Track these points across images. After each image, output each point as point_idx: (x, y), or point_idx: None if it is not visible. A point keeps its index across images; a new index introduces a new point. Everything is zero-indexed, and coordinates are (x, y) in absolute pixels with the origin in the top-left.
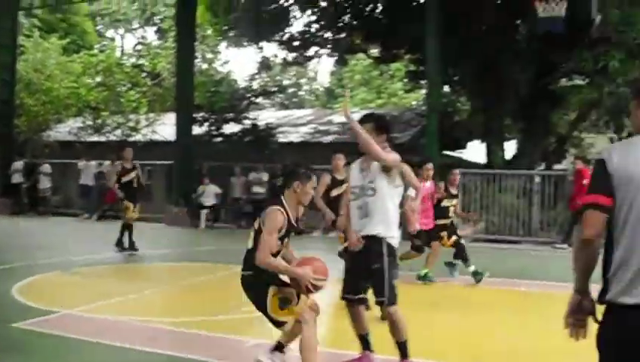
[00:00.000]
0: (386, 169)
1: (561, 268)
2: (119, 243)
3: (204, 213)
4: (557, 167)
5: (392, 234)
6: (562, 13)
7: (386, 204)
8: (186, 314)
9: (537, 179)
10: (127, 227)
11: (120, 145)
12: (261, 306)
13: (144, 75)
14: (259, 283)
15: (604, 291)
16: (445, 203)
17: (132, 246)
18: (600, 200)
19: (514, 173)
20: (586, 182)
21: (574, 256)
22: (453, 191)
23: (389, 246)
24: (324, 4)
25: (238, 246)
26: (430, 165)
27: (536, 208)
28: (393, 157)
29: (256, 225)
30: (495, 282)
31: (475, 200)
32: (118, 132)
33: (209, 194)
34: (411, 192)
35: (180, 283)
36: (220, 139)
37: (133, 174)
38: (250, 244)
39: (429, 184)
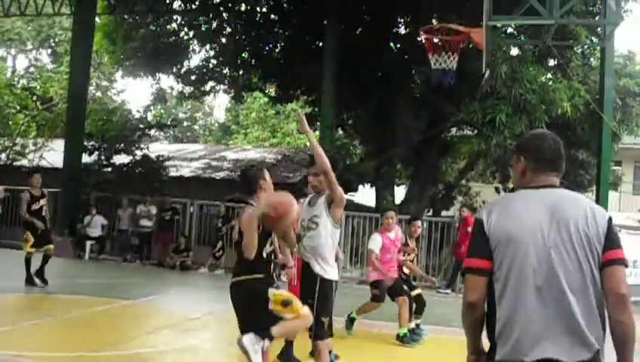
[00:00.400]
0: (331, 204)
1: (445, 312)
2: (29, 280)
3: (89, 244)
4: (444, 213)
5: (327, 270)
6: (454, 66)
7: (324, 240)
8: (64, 349)
9: (424, 225)
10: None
11: (29, 172)
12: (259, 306)
13: (35, 98)
14: (262, 287)
15: (492, 350)
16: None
17: (30, 280)
18: (478, 264)
19: (402, 217)
20: (470, 229)
21: (462, 319)
22: (412, 243)
23: (322, 282)
24: (223, 40)
25: (122, 279)
26: (391, 213)
27: (423, 253)
28: (342, 192)
29: (236, 236)
30: (374, 325)
31: (364, 244)
32: (3, 156)
33: (95, 224)
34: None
35: (59, 316)
36: (109, 169)
37: (42, 202)
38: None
39: (392, 234)
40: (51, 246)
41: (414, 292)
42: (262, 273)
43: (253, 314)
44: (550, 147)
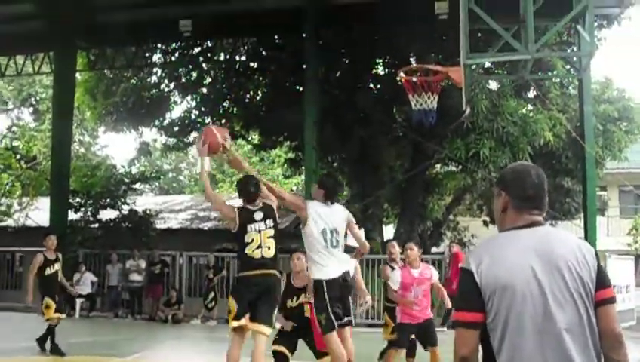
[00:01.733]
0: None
1: (440, 350)
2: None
3: (79, 301)
4: (434, 250)
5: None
6: (434, 106)
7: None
8: None
9: None
10: (50, 330)
11: (44, 233)
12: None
13: (18, 157)
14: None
15: None
16: None
17: (56, 350)
18: (470, 317)
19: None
20: (461, 265)
21: None
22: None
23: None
24: (204, 90)
25: (115, 336)
26: (394, 242)
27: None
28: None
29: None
30: None
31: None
32: None
33: (85, 282)
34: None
35: None
36: (96, 225)
37: (57, 266)
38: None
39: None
40: (63, 316)
41: None
42: None
43: None
44: (533, 183)
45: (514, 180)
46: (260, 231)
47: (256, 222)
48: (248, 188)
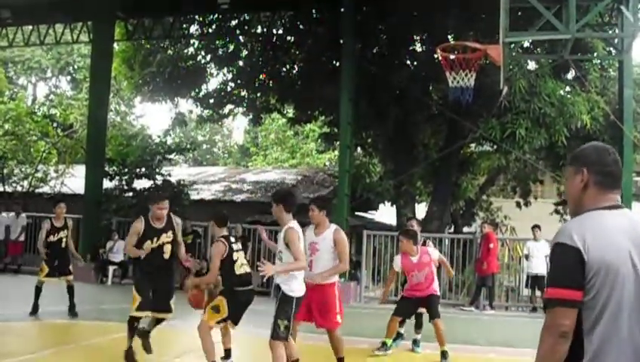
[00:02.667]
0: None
1: (468, 330)
2: (34, 309)
3: (111, 269)
4: (466, 230)
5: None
6: (471, 84)
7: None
8: None
9: (446, 242)
10: (37, 290)
11: (55, 200)
12: None
13: (55, 125)
14: None
15: None
16: None
17: (35, 310)
18: (572, 295)
19: (423, 235)
20: (492, 245)
21: (548, 356)
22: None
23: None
24: (240, 63)
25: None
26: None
27: (445, 270)
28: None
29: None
30: (407, 345)
31: (385, 262)
32: (25, 183)
33: (118, 249)
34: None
35: (81, 343)
36: (130, 194)
37: (62, 233)
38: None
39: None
40: (69, 278)
41: None
42: None
43: None
44: (613, 160)
45: (594, 156)
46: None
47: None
48: None
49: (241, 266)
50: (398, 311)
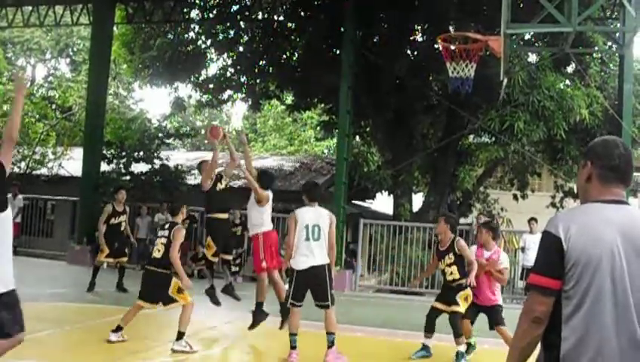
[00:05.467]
0: None
1: None
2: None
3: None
4: (462, 221)
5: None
6: (471, 74)
7: None
8: (81, 359)
9: None
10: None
11: (116, 188)
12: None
13: (54, 107)
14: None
15: None
16: (440, 265)
17: (91, 288)
18: (549, 283)
19: (420, 225)
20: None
21: (519, 338)
22: (442, 247)
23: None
24: (241, 48)
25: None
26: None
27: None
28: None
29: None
30: (392, 333)
31: (381, 251)
32: (23, 164)
33: None
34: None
35: (76, 325)
36: (128, 177)
37: (122, 218)
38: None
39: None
40: (124, 259)
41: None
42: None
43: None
44: (620, 154)
45: (600, 150)
46: None
47: None
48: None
49: None
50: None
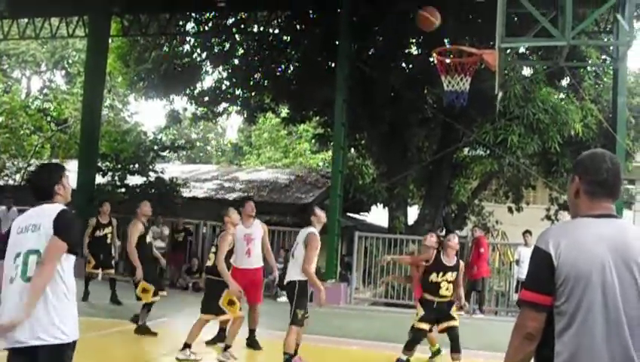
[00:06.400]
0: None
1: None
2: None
3: None
4: (457, 233)
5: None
6: (466, 88)
7: None
8: None
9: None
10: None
11: (101, 201)
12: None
13: (49, 119)
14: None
15: None
16: (434, 277)
17: (85, 298)
18: (541, 300)
19: (415, 238)
20: (482, 250)
21: (513, 354)
22: (448, 262)
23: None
24: (236, 61)
25: (134, 300)
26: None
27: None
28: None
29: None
30: (388, 347)
31: (376, 264)
32: (18, 176)
33: None
34: None
35: None
36: (123, 190)
37: (107, 230)
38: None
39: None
40: (111, 271)
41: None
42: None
43: None
44: (609, 168)
45: (588, 165)
46: None
47: None
48: None
49: None
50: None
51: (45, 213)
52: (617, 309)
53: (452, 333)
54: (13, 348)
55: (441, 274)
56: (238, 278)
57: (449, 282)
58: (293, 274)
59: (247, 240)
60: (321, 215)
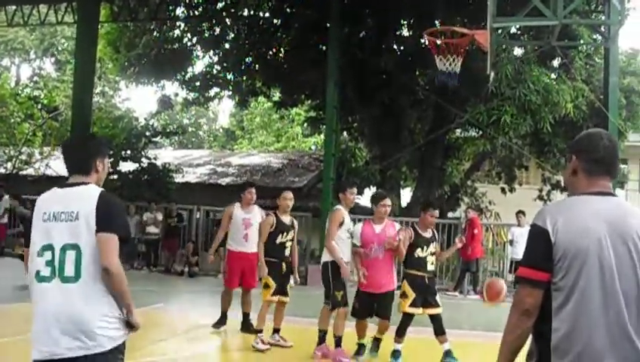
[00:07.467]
0: None
1: (452, 315)
2: None
3: None
4: (450, 215)
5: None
6: (458, 68)
7: None
8: None
9: None
10: None
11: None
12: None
13: (40, 107)
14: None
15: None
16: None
17: None
18: (538, 276)
19: (409, 220)
20: (476, 231)
21: (510, 331)
22: (427, 234)
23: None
24: (227, 45)
25: (130, 287)
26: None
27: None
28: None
29: None
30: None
31: None
32: (9, 165)
33: None
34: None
35: None
36: (115, 176)
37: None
38: None
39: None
40: None
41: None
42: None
43: None
44: (606, 146)
45: (585, 143)
46: None
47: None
48: None
49: None
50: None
51: (83, 197)
52: (614, 285)
53: (435, 317)
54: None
55: (423, 248)
56: (234, 262)
57: (432, 254)
58: (324, 255)
59: (246, 225)
60: (349, 197)
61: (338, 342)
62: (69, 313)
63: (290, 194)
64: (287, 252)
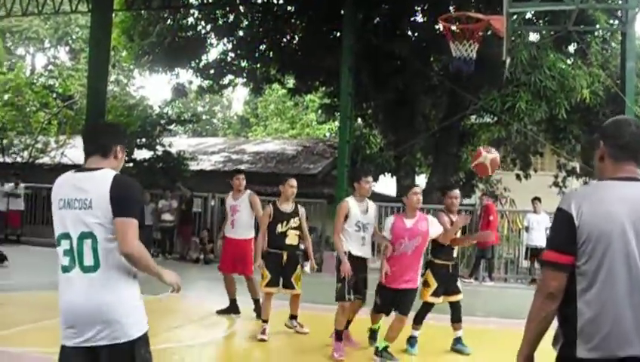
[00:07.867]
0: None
1: (467, 301)
2: None
3: None
4: (465, 201)
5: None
6: (473, 54)
7: None
8: None
9: None
10: None
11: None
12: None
13: (55, 95)
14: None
15: (568, 345)
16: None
17: None
18: (562, 259)
19: (424, 206)
20: (492, 217)
21: (534, 314)
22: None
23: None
24: (241, 33)
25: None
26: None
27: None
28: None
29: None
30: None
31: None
32: (25, 153)
33: None
34: None
35: None
36: (130, 164)
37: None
38: None
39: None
40: None
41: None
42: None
43: None
44: (632, 132)
45: (612, 129)
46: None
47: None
48: None
49: None
50: None
51: (96, 181)
52: (638, 268)
53: (455, 305)
54: (75, 346)
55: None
56: (224, 246)
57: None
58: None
59: (233, 211)
60: (364, 186)
61: (338, 335)
62: (93, 303)
63: (294, 182)
64: (289, 240)
